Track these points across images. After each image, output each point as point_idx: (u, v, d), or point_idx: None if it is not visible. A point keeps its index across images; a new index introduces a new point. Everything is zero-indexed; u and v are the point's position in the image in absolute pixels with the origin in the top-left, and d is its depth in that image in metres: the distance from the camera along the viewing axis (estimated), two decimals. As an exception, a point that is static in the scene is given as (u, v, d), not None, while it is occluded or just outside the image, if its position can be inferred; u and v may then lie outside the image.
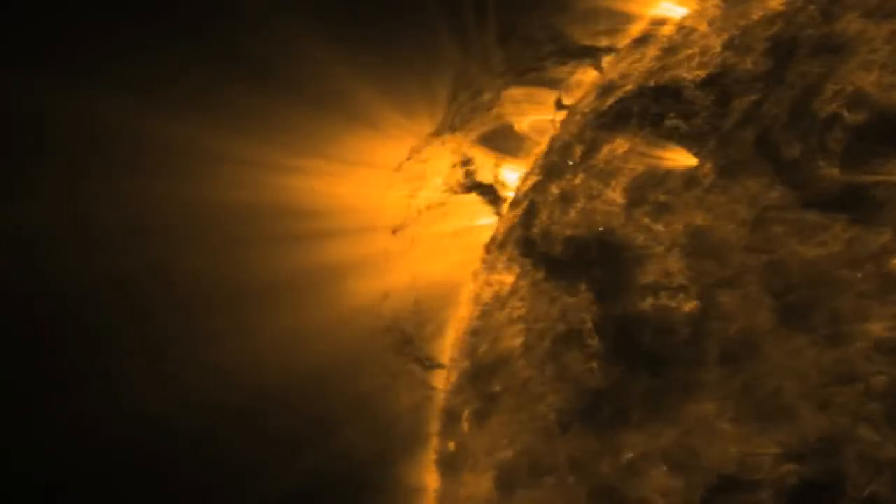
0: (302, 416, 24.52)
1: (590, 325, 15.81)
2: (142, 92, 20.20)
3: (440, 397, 24.74)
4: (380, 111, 23.56)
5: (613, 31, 22.27)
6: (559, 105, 23.20)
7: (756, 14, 16.49)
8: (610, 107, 18.79)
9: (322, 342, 23.99)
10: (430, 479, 23.46)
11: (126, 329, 23.38)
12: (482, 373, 19.31)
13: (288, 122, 22.81)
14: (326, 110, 23.19)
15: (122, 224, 21.81)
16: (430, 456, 24.31)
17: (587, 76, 23.02)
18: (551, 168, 20.56)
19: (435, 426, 24.42)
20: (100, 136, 20.54)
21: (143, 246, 22.38)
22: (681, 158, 15.66)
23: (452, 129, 24.10)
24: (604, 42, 22.57)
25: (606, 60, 22.27)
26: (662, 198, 15.63)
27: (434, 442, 23.97)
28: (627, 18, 21.88)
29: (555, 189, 19.32)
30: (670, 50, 18.29)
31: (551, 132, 23.20)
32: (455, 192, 24.66)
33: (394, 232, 24.92)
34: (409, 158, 24.26)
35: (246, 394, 23.67)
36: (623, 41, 21.96)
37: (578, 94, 22.98)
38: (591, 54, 22.96)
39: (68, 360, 22.64)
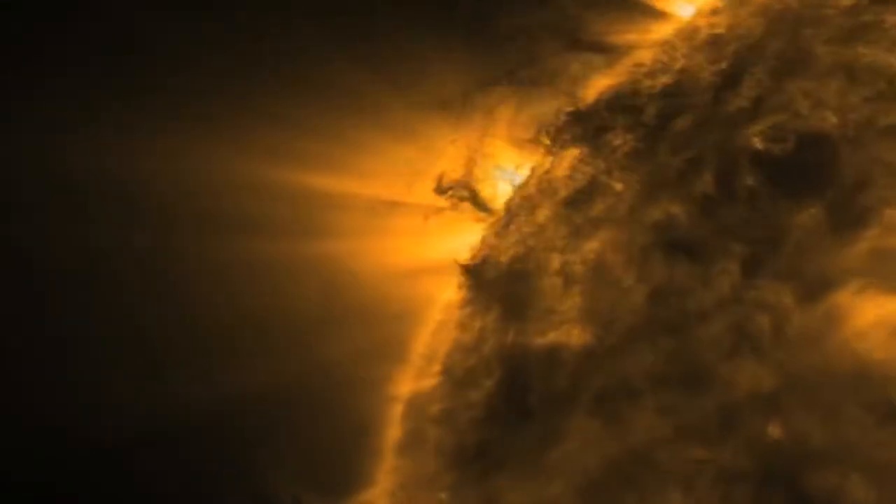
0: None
1: (490, 355, 14.28)
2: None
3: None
4: (389, 109, 23.07)
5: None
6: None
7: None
8: (568, 120, 17.00)
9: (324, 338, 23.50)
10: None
11: (118, 328, 23.49)
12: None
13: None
14: (335, 108, 22.90)
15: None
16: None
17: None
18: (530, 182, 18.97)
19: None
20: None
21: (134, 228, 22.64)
22: (607, 179, 13.94)
23: (462, 127, 23.29)
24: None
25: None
26: (582, 221, 13.95)
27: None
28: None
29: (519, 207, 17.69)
30: (640, 62, 16.44)
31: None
32: (457, 198, 23.73)
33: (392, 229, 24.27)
34: (415, 156, 23.62)
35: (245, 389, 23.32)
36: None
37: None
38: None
39: (61, 360, 22.85)
